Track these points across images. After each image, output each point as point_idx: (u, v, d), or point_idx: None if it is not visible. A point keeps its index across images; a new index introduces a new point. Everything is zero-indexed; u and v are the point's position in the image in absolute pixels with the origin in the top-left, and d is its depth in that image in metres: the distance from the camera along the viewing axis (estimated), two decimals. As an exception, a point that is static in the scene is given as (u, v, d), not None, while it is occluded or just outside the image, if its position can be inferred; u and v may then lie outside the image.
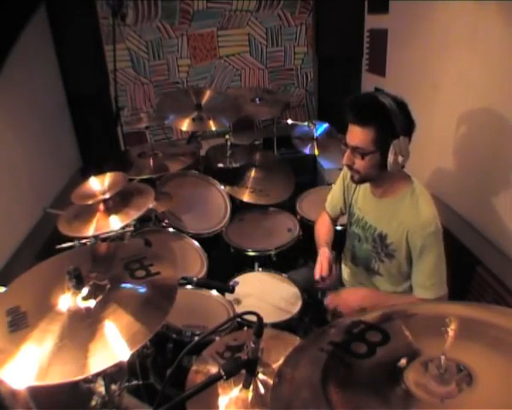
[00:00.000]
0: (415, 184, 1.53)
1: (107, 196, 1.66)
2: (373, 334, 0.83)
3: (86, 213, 1.67)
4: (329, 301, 1.65)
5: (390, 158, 1.41)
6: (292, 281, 1.93)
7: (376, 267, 1.65)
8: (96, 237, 1.60)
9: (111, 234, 1.63)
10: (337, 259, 1.94)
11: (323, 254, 1.71)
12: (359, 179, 1.53)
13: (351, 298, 1.63)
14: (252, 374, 1.10)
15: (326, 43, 3.36)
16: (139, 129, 2.87)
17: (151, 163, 2.43)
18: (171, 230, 2.19)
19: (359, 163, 1.46)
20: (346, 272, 1.87)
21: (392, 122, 1.38)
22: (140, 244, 1.71)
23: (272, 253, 2.18)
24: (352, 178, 1.56)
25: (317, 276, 1.65)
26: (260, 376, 1.18)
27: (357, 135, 1.42)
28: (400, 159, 1.42)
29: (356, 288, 1.77)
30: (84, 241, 1.61)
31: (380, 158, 1.42)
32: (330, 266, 1.67)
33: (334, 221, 1.92)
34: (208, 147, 2.88)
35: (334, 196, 1.87)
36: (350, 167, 1.51)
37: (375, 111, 1.39)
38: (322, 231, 1.86)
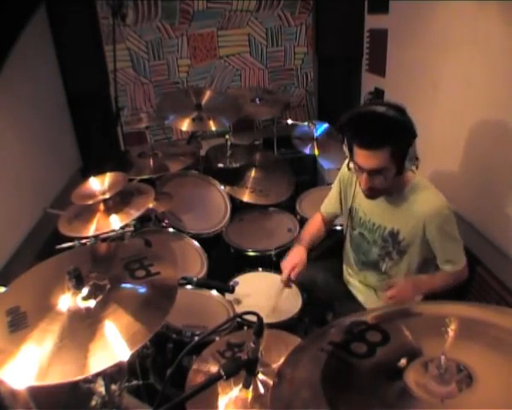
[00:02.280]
0: (417, 176, 1.55)
1: (107, 196, 1.66)
2: (373, 334, 0.83)
3: (86, 213, 1.67)
4: (391, 294, 1.54)
5: (407, 164, 1.42)
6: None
7: (385, 268, 1.65)
8: (96, 237, 1.60)
9: (111, 234, 1.63)
10: (338, 259, 1.95)
11: (299, 254, 1.69)
12: (378, 195, 1.52)
13: (407, 292, 1.55)
14: (252, 374, 1.10)
15: (326, 43, 3.36)
16: (139, 129, 2.88)
17: (151, 163, 2.43)
18: (171, 230, 2.19)
19: (378, 182, 1.43)
20: (347, 273, 1.87)
21: (405, 133, 1.37)
22: (140, 244, 1.71)
23: (272, 253, 2.18)
24: (368, 196, 1.52)
25: (284, 275, 1.66)
26: (260, 376, 1.18)
27: (373, 159, 1.37)
28: (409, 164, 1.43)
29: (404, 281, 1.61)
30: (84, 241, 1.61)
31: (396, 168, 1.41)
32: (300, 270, 1.66)
33: (328, 224, 1.91)
34: (208, 147, 2.88)
35: (331, 199, 1.87)
36: (370, 189, 1.47)
37: (389, 130, 1.35)
38: (310, 230, 1.86)
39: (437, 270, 1.61)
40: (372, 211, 1.64)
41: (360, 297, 1.77)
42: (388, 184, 1.46)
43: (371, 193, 1.50)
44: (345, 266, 1.89)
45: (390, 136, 1.35)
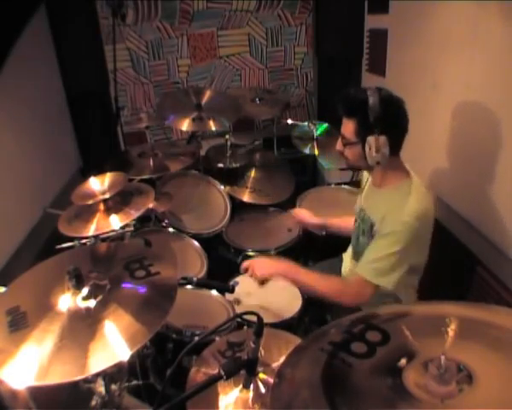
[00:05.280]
0: (412, 180, 1.53)
1: (107, 196, 1.66)
2: (373, 334, 0.83)
3: (86, 213, 1.67)
4: (245, 263, 1.72)
5: (366, 152, 1.47)
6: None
7: None
8: (95, 237, 1.61)
9: (111, 234, 1.63)
10: (338, 259, 1.95)
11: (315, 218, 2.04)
12: (349, 165, 1.64)
13: (265, 264, 1.69)
14: (252, 374, 1.10)
15: (326, 43, 3.36)
16: (139, 129, 2.87)
17: (151, 163, 2.43)
18: (171, 230, 2.19)
19: (347, 152, 1.57)
20: (346, 270, 1.87)
21: (369, 118, 1.43)
22: (140, 244, 1.71)
23: (272, 253, 2.18)
24: (346, 163, 1.65)
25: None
26: (260, 376, 1.18)
27: (343, 125, 1.54)
28: (374, 154, 1.45)
29: (275, 258, 1.79)
30: (84, 241, 1.61)
31: (362, 150, 1.49)
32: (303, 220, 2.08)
33: None
34: (208, 147, 2.88)
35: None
36: (341, 153, 1.60)
37: (356, 105, 1.47)
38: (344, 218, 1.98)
39: (420, 280, 1.62)
40: (365, 200, 1.69)
41: None
42: (357, 162, 1.57)
43: (343, 159, 1.62)
44: (344, 265, 1.90)
45: (355, 110, 1.48)
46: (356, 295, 1.52)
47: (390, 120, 1.44)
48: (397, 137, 1.48)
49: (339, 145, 1.59)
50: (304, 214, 2.12)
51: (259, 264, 1.69)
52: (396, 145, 1.50)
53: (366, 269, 1.50)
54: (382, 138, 1.43)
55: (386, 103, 1.43)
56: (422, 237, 1.51)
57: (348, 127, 1.51)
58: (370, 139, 1.44)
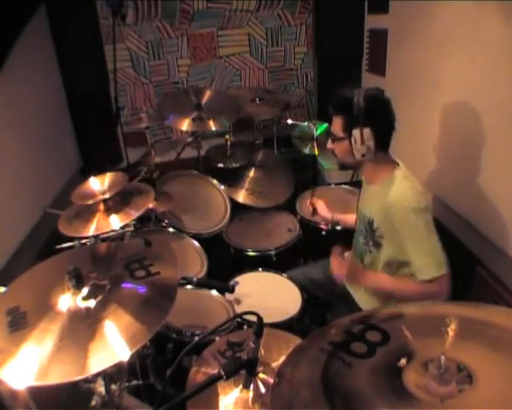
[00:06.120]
0: (401, 169, 1.56)
1: (107, 196, 1.66)
2: (373, 334, 0.82)
3: (86, 213, 1.67)
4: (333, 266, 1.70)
5: (352, 145, 1.52)
6: (292, 281, 1.92)
7: (366, 261, 1.67)
8: (95, 237, 1.60)
9: (111, 234, 1.63)
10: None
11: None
12: (339, 163, 1.71)
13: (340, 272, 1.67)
14: (252, 374, 1.10)
15: (326, 43, 3.36)
16: (139, 129, 2.87)
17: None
18: (171, 230, 2.19)
19: (336, 149, 1.63)
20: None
21: (354, 113, 1.48)
22: (140, 244, 1.71)
23: (272, 253, 2.18)
24: (337, 160, 1.70)
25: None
26: (261, 376, 1.18)
27: (332, 123, 1.61)
28: (359, 147, 1.50)
29: (357, 267, 1.72)
30: (84, 241, 1.61)
31: (349, 145, 1.53)
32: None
33: None
34: (208, 147, 2.88)
35: None
36: (332, 151, 1.65)
37: (342, 103, 1.55)
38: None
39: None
40: (362, 200, 1.71)
41: (356, 297, 1.77)
42: (345, 158, 1.61)
43: (335, 157, 1.67)
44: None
45: (341, 107, 1.56)
46: (437, 294, 1.45)
47: (373, 115, 1.49)
48: (382, 131, 1.52)
49: (329, 144, 1.65)
50: (320, 205, 2.12)
51: (336, 266, 1.68)
52: (382, 140, 1.53)
53: (423, 271, 1.46)
54: (366, 131, 1.48)
55: (369, 100, 1.49)
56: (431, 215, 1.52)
57: (336, 124, 1.58)
58: (355, 132, 1.50)
